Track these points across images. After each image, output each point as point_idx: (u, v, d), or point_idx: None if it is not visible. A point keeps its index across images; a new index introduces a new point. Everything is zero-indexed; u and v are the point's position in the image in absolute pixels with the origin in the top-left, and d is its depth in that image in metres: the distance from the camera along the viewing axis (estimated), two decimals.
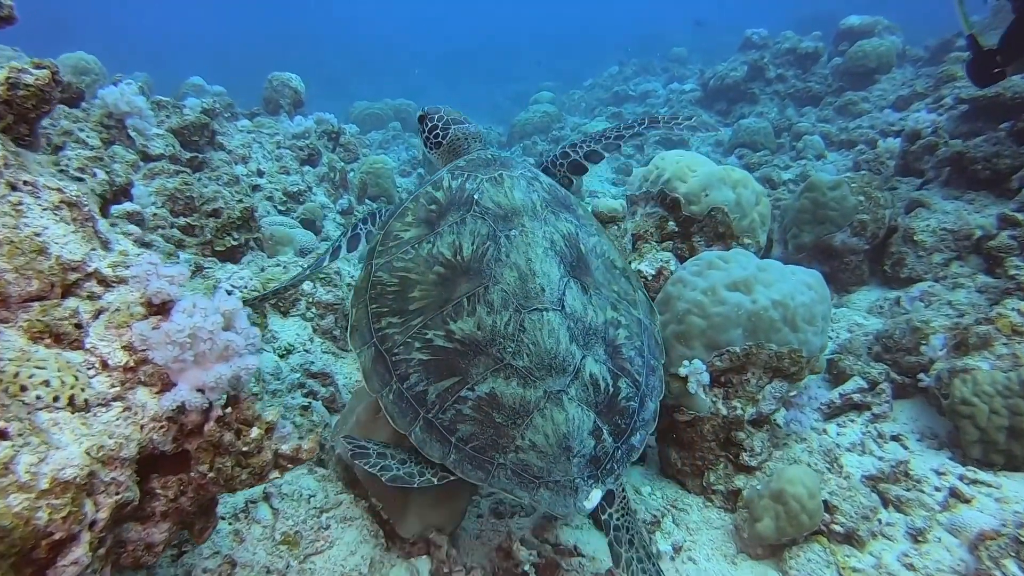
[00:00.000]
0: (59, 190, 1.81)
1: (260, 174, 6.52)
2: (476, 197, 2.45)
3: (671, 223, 3.75)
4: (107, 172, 4.03)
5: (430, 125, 3.04)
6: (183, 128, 5.99)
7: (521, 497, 2.13)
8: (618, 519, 2.24)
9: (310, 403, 3.12)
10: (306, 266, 3.49)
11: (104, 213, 3.82)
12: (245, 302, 2.48)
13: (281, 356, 3.51)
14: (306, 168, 7.44)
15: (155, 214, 4.11)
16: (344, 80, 29.72)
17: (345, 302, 4.01)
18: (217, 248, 4.17)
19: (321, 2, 51.03)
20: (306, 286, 3.86)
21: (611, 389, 2.27)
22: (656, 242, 3.76)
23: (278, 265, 4.35)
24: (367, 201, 7.58)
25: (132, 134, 5.10)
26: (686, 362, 2.89)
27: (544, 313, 2.20)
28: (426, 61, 34.29)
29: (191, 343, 1.58)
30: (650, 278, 3.55)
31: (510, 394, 2.14)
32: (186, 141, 6.06)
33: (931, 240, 4.89)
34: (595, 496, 2.16)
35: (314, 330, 3.82)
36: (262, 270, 4.32)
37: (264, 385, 3.18)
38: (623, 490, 2.30)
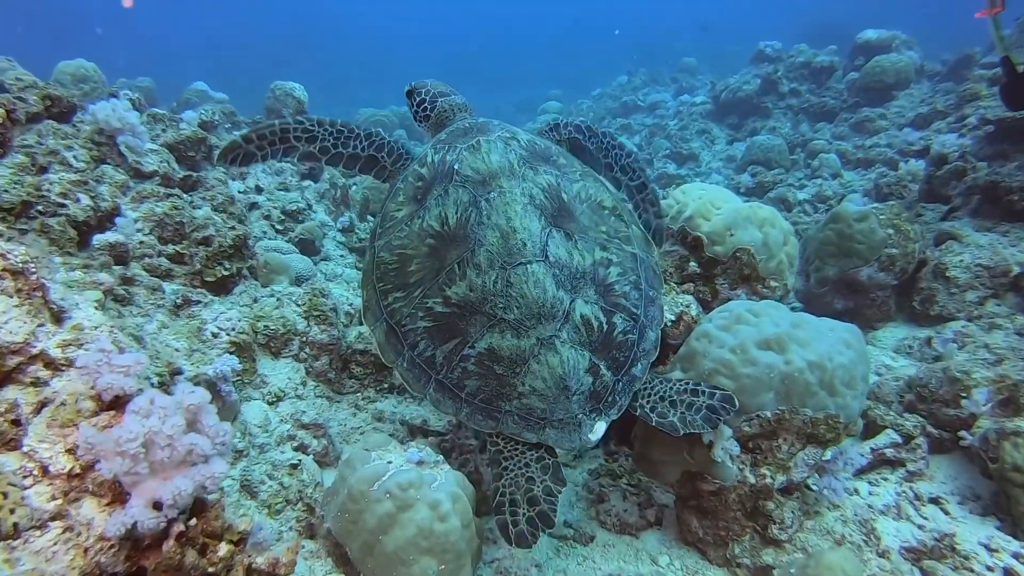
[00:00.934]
0: (1, 256, 1.55)
1: (259, 191, 6.27)
2: (456, 167, 2.55)
3: (692, 263, 3.49)
4: (92, 196, 3.79)
5: (418, 99, 3.15)
6: (179, 143, 5.74)
7: (529, 438, 2.30)
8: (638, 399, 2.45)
9: (300, 460, 2.86)
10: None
11: (86, 242, 3.58)
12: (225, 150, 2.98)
13: (271, 403, 3.26)
14: (307, 183, 7.20)
15: (142, 242, 3.86)
16: (349, 85, 29.56)
17: (339, 332, 3.77)
18: (207, 279, 3.92)
19: (326, 4, 50.95)
20: (300, 324, 3.61)
21: (605, 326, 2.40)
22: (676, 283, 3.50)
23: (272, 295, 4.10)
24: (370, 218, 7.32)
25: (124, 151, 4.87)
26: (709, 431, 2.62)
27: (528, 266, 2.32)
28: (429, 66, 34.08)
29: (146, 452, 1.32)
30: (669, 324, 3.29)
31: (506, 346, 2.30)
32: (182, 156, 5.81)
33: (964, 276, 4.61)
34: (599, 429, 2.33)
35: (307, 372, 3.56)
36: (255, 301, 4.07)
37: (250, 439, 2.93)
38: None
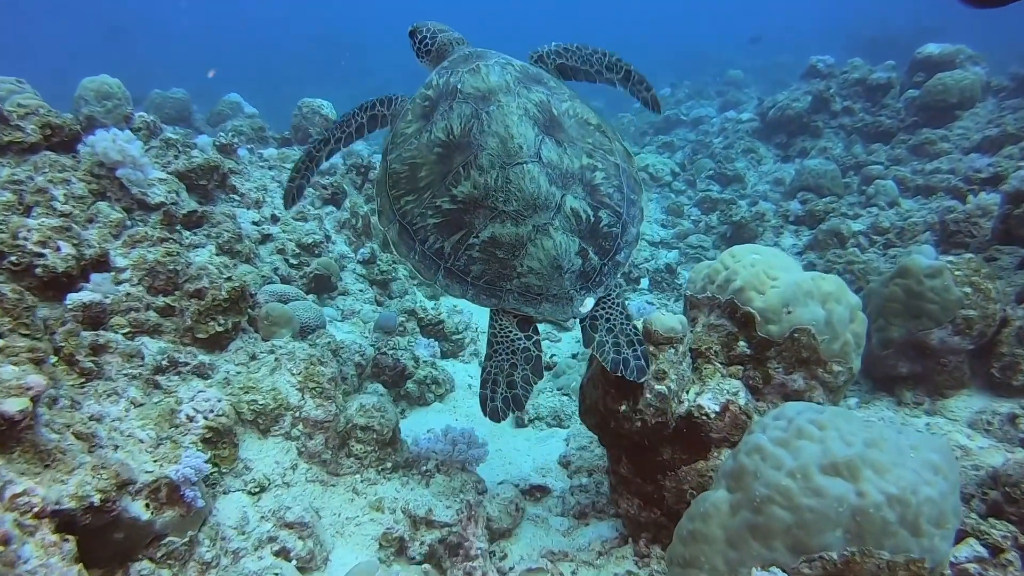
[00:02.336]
0: None
1: (275, 220, 5.95)
2: (459, 87, 2.83)
3: (742, 342, 3.01)
4: (75, 244, 3.46)
5: (420, 37, 3.44)
6: (190, 171, 5.45)
7: (528, 311, 2.64)
8: (600, 311, 2.71)
9: (278, 573, 2.46)
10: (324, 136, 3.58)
11: (59, 298, 3.25)
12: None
13: (253, 494, 2.87)
14: (329, 208, 6.87)
15: (128, 294, 3.51)
16: (393, 89, 29.34)
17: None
18: (199, 335, 3.56)
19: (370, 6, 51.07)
20: (293, 398, 3.22)
21: (592, 219, 2.70)
22: (721, 363, 3.02)
23: (271, 352, 3.73)
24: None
25: (126, 184, 4.57)
26: (758, 571, 2.15)
27: (524, 165, 2.62)
28: None
29: None
30: (713, 415, 2.82)
31: (506, 234, 2.60)
32: (193, 185, 5.52)
33: None
34: (588, 303, 2.66)
35: (299, 453, 3.17)
36: (252, 358, 3.71)
37: (223, 545, 2.54)
38: (615, 293, 2.76)
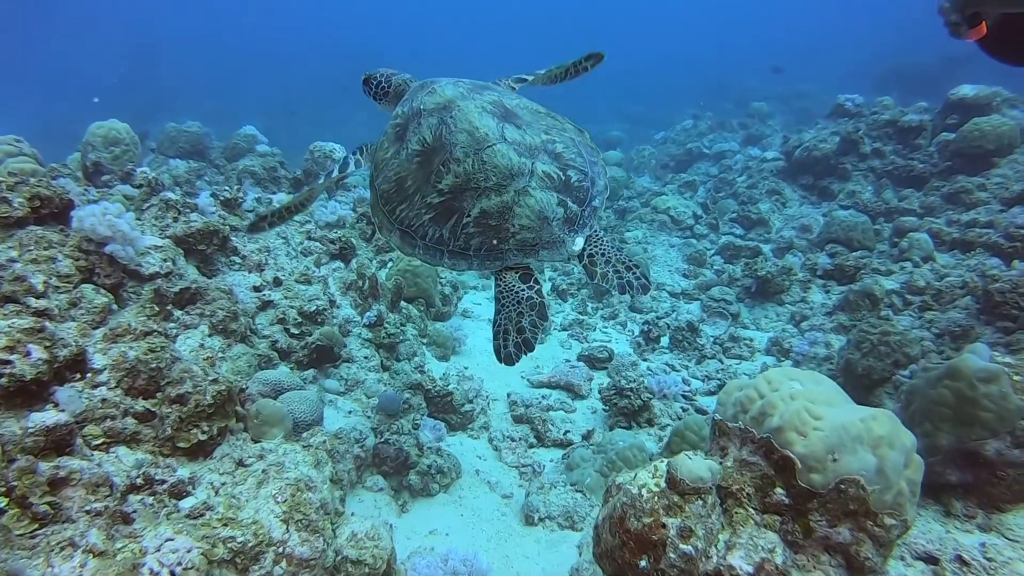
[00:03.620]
0: None
1: (277, 283, 5.68)
2: (421, 107, 3.17)
3: (779, 489, 2.65)
4: (48, 346, 3.19)
5: (375, 82, 3.76)
6: (188, 236, 5.21)
7: (529, 261, 2.90)
8: (592, 249, 2.98)
9: None
10: (309, 186, 3.92)
11: (28, 406, 2.97)
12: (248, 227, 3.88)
13: None
14: (336, 264, 6.60)
15: (104, 400, 3.23)
16: None
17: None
18: (179, 444, 3.27)
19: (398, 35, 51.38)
20: (276, 531, 2.90)
21: (563, 177, 2.99)
22: (755, 509, 2.67)
23: (260, 458, 3.44)
24: (403, 306, 6.66)
25: (116, 259, 4.32)
26: None
27: (494, 147, 2.92)
28: None
29: None
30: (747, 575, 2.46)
31: (493, 204, 2.86)
32: (191, 250, 5.28)
33: None
34: (579, 241, 2.92)
35: None
36: (239, 464, 3.41)
37: None
38: (597, 233, 3.03)
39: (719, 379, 6.68)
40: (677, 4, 58.14)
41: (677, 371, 7.11)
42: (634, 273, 2.97)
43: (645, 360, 7.31)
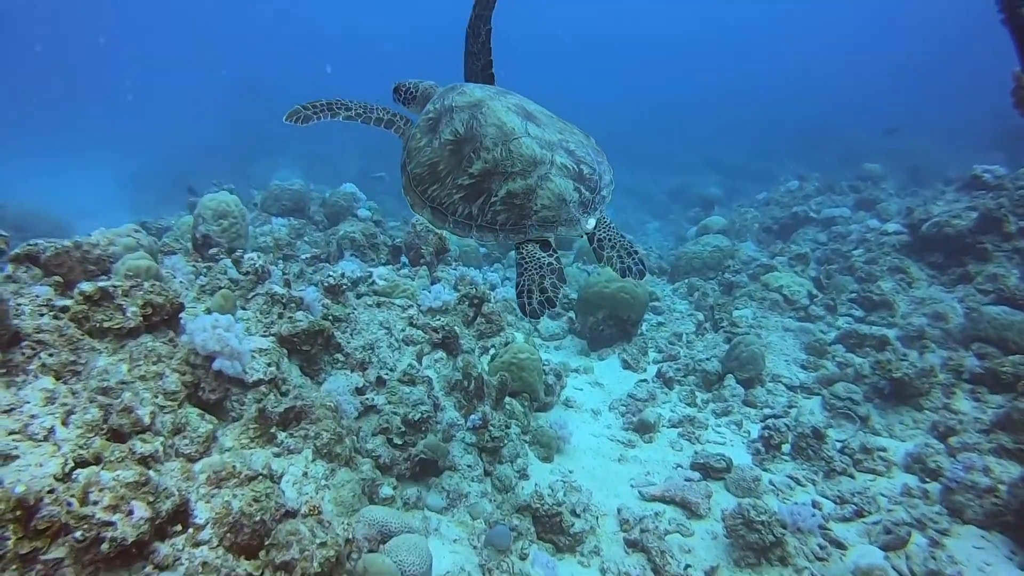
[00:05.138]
0: None
1: (381, 383, 5.38)
2: (453, 104, 3.56)
3: None
4: (151, 501, 2.92)
5: (404, 89, 4.17)
6: (293, 336, 4.98)
7: (548, 235, 3.29)
8: (601, 235, 3.36)
9: None
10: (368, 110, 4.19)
11: (127, 566, 2.70)
12: None
13: None
14: (439, 355, 6.28)
15: (205, 563, 2.93)
16: None
17: None
18: None
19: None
20: None
21: (577, 169, 3.39)
22: None
23: None
24: (507, 402, 6.26)
25: (222, 371, 4.10)
26: None
27: (520, 139, 3.32)
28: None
29: None
30: None
31: (518, 187, 3.25)
32: (295, 350, 5.05)
33: None
34: (591, 222, 3.31)
35: None
36: None
37: None
38: (606, 219, 3.41)
39: (855, 504, 5.93)
40: (774, 50, 56.98)
41: (802, 486, 6.41)
42: (634, 259, 3.32)
43: (766, 470, 6.63)
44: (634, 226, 22.07)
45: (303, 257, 9.24)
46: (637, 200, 25.88)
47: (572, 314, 10.17)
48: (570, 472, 6.24)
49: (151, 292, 4.20)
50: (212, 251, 7.06)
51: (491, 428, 5.71)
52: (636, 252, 3.35)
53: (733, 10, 58.84)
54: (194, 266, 6.41)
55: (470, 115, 3.47)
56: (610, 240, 3.39)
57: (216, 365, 3.98)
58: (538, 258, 3.29)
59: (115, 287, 4.15)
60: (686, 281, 12.05)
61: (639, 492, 6.10)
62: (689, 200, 23.16)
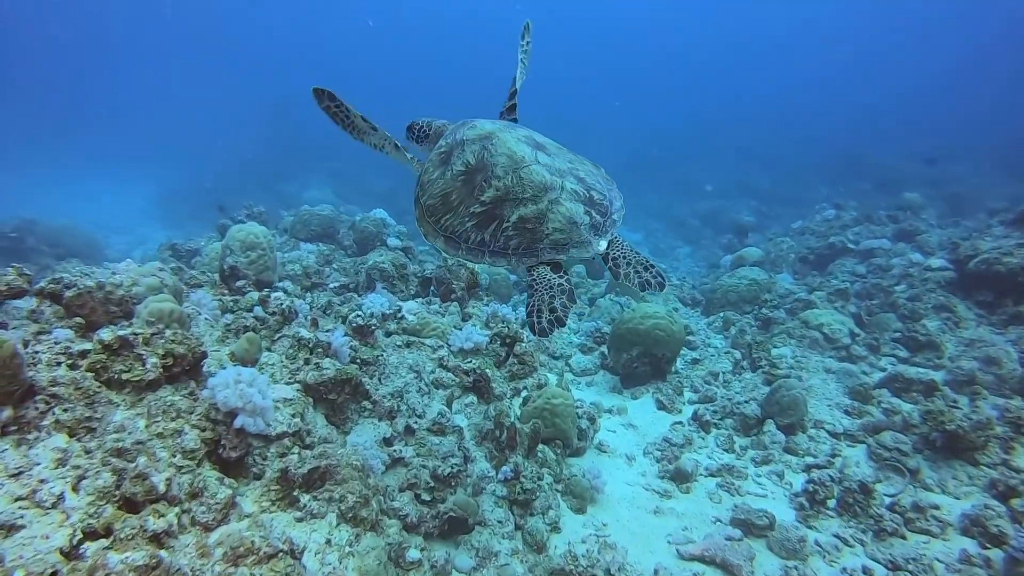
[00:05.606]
0: None
1: (410, 433, 5.13)
2: (464, 138, 3.68)
3: None
4: None
5: (418, 127, 4.31)
6: (320, 385, 4.76)
7: (561, 258, 3.34)
8: (616, 253, 3.46)
9: None
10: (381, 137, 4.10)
11: None
12: None
13: None
14: (470, 399, 6.03)
15: None
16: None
17: None
18: None
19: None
20: None
21: (587, 195, 3.45)
22: None
23: None
24: (540, 449, 5.98)
25: (244, 428, 3.88)
26: None
27: (530, 167, 3.42)
28: (615, 170, 32.98)
29: None
30: None
31: (530, 211, 3.31)
32: (321, 398, 4.83)
33: None
34: (602, 244, 3.38)
35: None
36: None
37: None
38: (619, 239, 3.50)
39: (910, 572, 5.53)
40: (806, 67, 56.40)
41: (851, 547, 6.02)
42: (651, 272, 3.40)
43: (811, 528, 6.25)
44: (665, 251, 21.73)
45: (332, 286, 9.08)
46: (667, 224, 25.55)
47: (605, 349, 9.87)
48: (604, 525, 5.93)
49: (172, 341, 4.00)
50: (239, 283, 6.91)
51: (523, 480, 5.43)
52: (652, 266, 3.45)
53: (762, 26, 58.43)
54: (220, 300, 6.25)
55: (481, 146, 3.59)
56: (625, 257, 3.50)
57: (238, 423, 3.76)
58: (548, 279, 3.37)
59: (135, 335, 3.96)
60: (721, 315, 11.68)
61: (677, 550, 5.75)
62: (721, 225, 22.76)
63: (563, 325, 3.24)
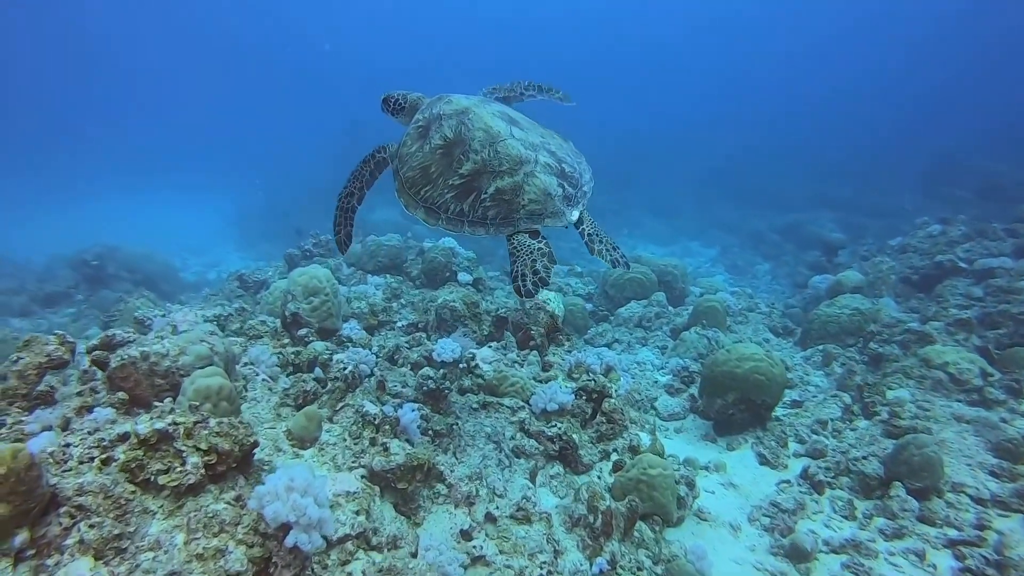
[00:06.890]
0: None
1: (491, 520, 4.44)
2: (441, 112, 3.94)
3: None
4: None
5: (393, 100, 4.54)
6: (387, 472, 4.12)
7: (537, 226, 3.65)
8: (589, 229, 3.83)
9: None
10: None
11: None
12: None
13: None
14: (555, 470, 5.30)
15: None
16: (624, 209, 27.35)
17: None
18: None
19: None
20: None
21: (559, 168, 3.78)
22: None
23: None
24: (638, 527, 5.18)
25: (298, 545, 3.25)
26: None
27: (506, 140, 3.71)
28: (687, 183, 31.82)
29: None
30: None
31: (507, 184, 3.62)
32: (388, 487, 4.19)
33: None
34: (575, 214, 3.73)
35: None
36: None
37: None
38: (589, 216, 3.87)
39: None
40: (884, 62, 53.50)
41: None
42: (619, 252, 3.78)
43: None
44: (743, 267, 20.46)
45: (400, 325, 8.53)
46: (743, 239, 24.22)
47: (693, 390, 8.97)
48: None
49: (218, 434, 3.42)
50: (302, 332, 6.40)
51: (619, 571, 4.65)
52: (617, 248, 3.82)
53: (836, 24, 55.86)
54: (280, 353, 5.73)
55: (458, 121, 3.83)
56: (598, 235, 3.82)
57: (290, 540, 3.13)
58: (528, 245, 3.59)
59: (175, 425, 3.40)
60: (820, 347, 10.59)
61: None
62: (803, 240, 21.29)
63: (546, 284, 3.51)
